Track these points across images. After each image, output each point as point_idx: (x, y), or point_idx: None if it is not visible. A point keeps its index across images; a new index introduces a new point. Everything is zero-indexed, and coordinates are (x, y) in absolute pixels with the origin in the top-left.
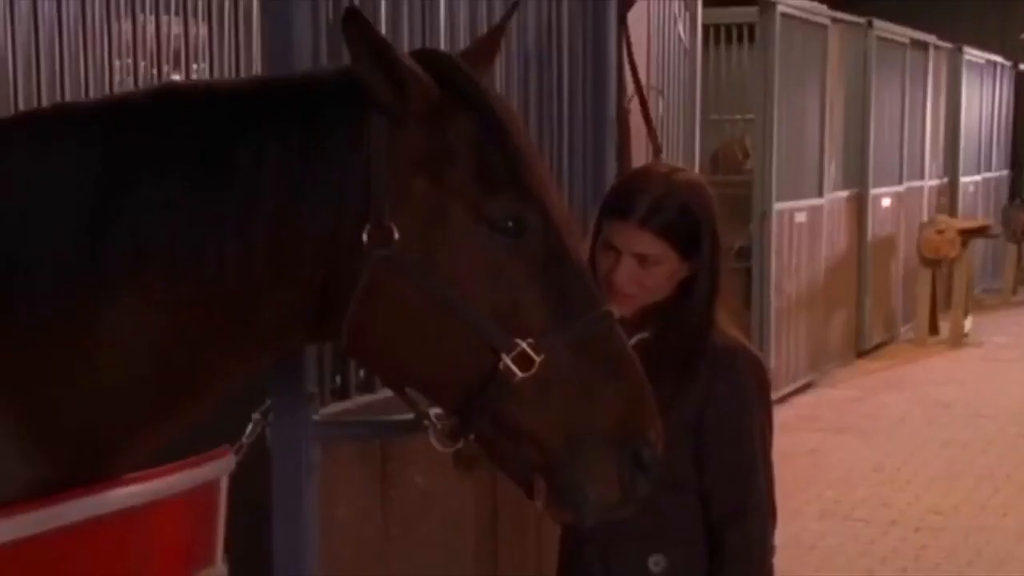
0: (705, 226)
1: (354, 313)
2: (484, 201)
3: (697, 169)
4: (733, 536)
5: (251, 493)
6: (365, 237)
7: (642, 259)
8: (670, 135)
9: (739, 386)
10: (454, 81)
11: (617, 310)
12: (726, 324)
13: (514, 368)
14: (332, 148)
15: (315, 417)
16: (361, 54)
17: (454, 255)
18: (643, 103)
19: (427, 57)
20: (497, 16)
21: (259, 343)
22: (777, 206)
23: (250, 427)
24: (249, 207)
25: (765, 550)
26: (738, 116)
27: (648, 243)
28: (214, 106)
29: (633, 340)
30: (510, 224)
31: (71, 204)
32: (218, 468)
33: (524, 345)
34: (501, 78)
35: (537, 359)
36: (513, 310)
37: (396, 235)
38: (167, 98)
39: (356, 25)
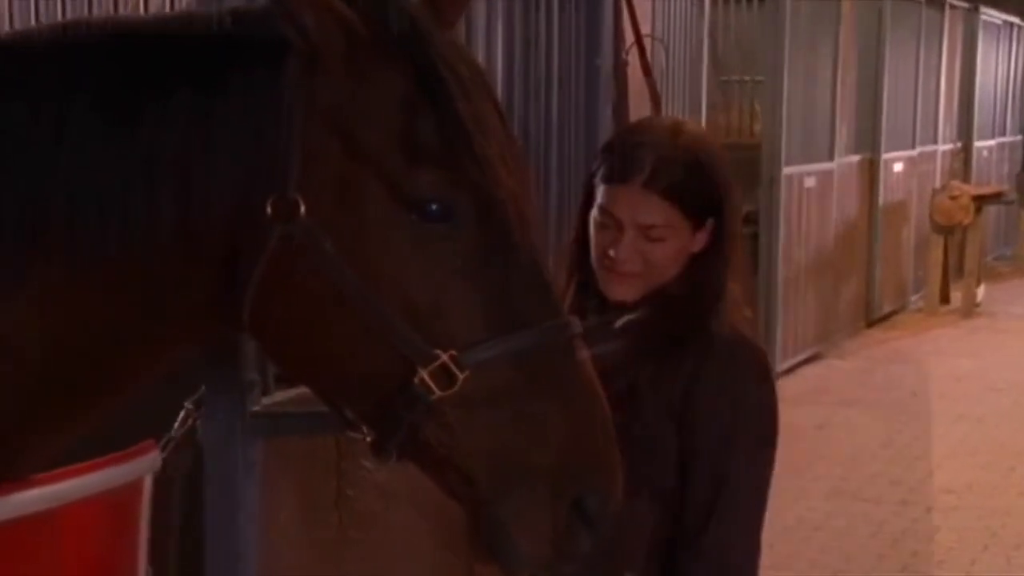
0: (719, 187)
1: (254, 297)
2: (405, 176)
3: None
4: (704, 541)
5: (181, 495)
6: (268, 209)
7: (647, 229)
8: (674, 94)
9: (732, 379)
10: (391, 22)
11: (620, 292)
12: (734, 313)
13: (431, 384)
14: (248, 97)
15: (255, 408)
16: None
17: (365, 238)
18: (642, 53)
19: None
20: None
21: (173, 331)
22: (786, 170)
23: (180, 419)
24: (155, 162)
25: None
26: (747, 77)
27: (655, 210)
28: (124, 45)
29: (621, 321)
30: (434, 207)
31: None
32: (141, 466)
33: (445, 357)
34: (480, 25)
35: (460, 375)
36: (436, 313)
37: (302, 209)
38: (71, 35)
39: None
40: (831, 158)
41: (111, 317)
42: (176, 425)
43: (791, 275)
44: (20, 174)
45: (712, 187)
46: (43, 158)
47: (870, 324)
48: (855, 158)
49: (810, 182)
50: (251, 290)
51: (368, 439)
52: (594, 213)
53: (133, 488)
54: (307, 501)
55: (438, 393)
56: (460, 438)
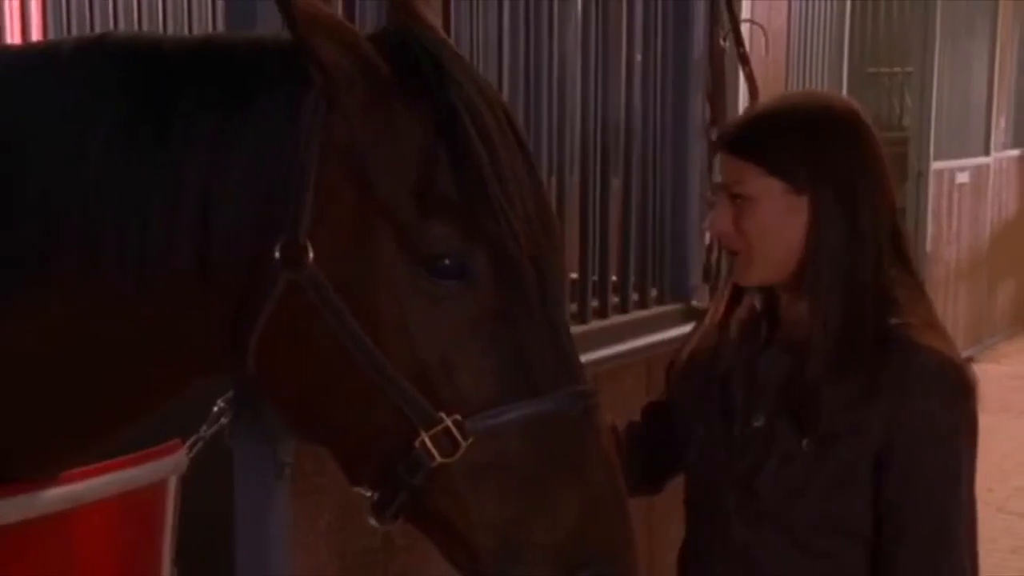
0: (813, 139)
1: (257, 342)
2: (417, 228)
3: None
4: None
5: (210, 498)
6: (277, 252)
7: (729, 190)
8: (809, 85)
9: (946, 409)
10: (418, 63)
11: (737, 274)
12: (915, 316)
13: (432, 448)
14: (268, 132)
15: None
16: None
17: (373, 291)
18: (738, 40)
19: (397, 32)
20: None
21: (189, 360)
22: (936, 165)
23: (210, 418)
24: (177, 187)
25: None
26: (896, 69)
27: (732, 169)
28: (153, 62)
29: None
30: (446, 263)
31: None
32: (165, 467)
33: (448, 422)
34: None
35: (462, 442)
36: (443, 375)
37: (310, 255)
38: (100, 45)
39: None
40: (987, 152)
41: (123, 339)
42: (206, 424)
43: (940, 275)
44: (38, 183)
45: (803, 138)
46: (64, 169)
47: None
48: (1015, 152)
49: (963, 177)
50: (255, 334)
51: (371, 497)
52: None
53: (157, 490)
54: (350, 506)
55: (439, 459)
56: (465, 507)
